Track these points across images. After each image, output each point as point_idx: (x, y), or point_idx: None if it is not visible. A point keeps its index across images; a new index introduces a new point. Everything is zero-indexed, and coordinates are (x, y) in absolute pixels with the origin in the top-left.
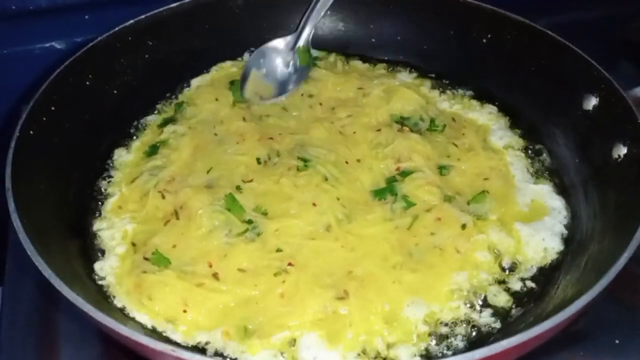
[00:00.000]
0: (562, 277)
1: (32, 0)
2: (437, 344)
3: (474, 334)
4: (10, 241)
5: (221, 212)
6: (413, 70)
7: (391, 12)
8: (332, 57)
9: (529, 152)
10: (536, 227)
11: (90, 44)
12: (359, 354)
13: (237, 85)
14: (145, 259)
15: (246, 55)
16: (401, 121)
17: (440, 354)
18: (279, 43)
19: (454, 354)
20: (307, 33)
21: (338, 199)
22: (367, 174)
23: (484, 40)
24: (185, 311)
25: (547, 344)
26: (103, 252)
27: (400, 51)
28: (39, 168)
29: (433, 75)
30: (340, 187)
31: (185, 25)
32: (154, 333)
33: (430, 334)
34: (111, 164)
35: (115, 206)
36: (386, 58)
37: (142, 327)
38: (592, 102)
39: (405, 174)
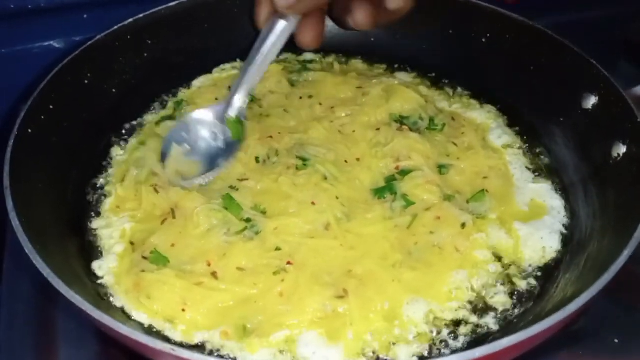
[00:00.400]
0: (561, 276)
1: None
2: (436, 343)
3: (473, 332)
4: (8, 240)
5: (219, 211)
6: (412, 69)
7: None
8: (331, 58)
9: (528, 151)
10: (535, 226)
11: (89, 43)
12: (358, 353)
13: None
14: (144, 258)
15: (237, 62)
16: (400, 120)
17: (440, 352)
18: (206, 114)
19: (454, 352)
20: (240, 101)
21: (337, 198)
22: (366, 173)
23: (483, 40)
24: (184, 310)
25: (547, 343)
26: (101, 251)
27: (399, 51)
28: (37, 167)
29: (433, 75)
30: (339, 186)
31: (184, 24)
32: (152, 332)
33: (429, 333)
34: (109, 163)
35: (114, 205)
36: (385, 58)
37: (141, 327)
38: (591, 101)
39: (404, 172)
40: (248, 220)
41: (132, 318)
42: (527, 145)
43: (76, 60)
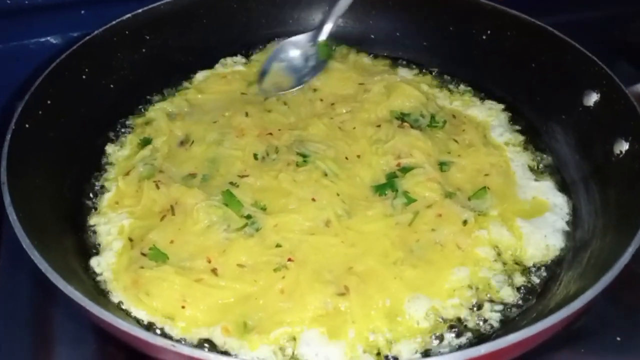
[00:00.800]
0: (564, 274)
1: None
2: (438, 340)
3: (475, 330)
4: (4, 236)
5: (218, 207)
6: (414, 66)
7: (390, 9)
8: (344, 49)
9: (530, 148)
10: (537, 223)
11: (87, 38)
12: (359, 350)
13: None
14: (143, 254)
15: (238, 57)
16: (401, 117)
17: (442, 350)
18: (301, 38)
19: (456, 350)
20: (328, 27)
21: (338, 195)
22: (367, 170)
23: (484, 37)
24: (183, 307)
25: (549, 341)
26: (100, 248)
27: (400, 47)
28: (35, 162)
29: (435, 71)
30: (339, 183)
31: (183, 19)
32: (152, 329)
33: (431, 330)
34: (107, 159)
35: (112, 201)
36: (385, 54)
37: (140, 324)
38: (593, 98)
39: (405, 170)
40: (248, 217)
41: (131, 315)
42: (529, 142)
43: (74, 55)
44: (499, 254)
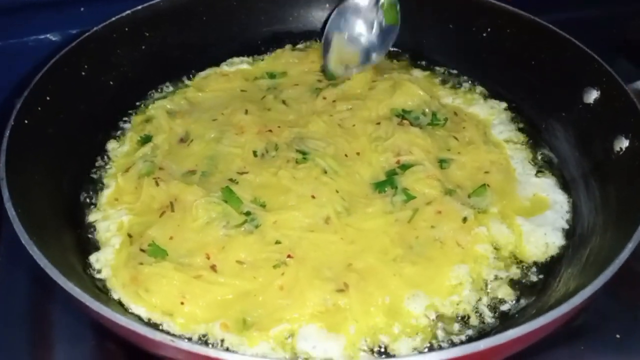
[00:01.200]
0: (563, 271)
1: None
2: (438, 337)
3: (475, 326)
4: (3, 232)
5: (218, 204)
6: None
7: None
8: None
9: (530, 146)
10: (537, 221)
11: (87, 34)
12: (359, 347)
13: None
14: (142, 250)
15: (237, 59)
16: (402, 115)
17: (441, 346)
18: (358, 2)
19: (455, 346)
20: None
21: (337, 192)
22: (366, 167)
23: (484, 35)
24: (182, 303)
25: (548, 338)
26: (99, 244)
27: (399, 45)
28: (34, 158)
29: (441, 70)
30: (339, 180)
31: (182, 17)
32: (151, 325)
33: (431, 327)
34: (107, 155)
35: (112, 198)
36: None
37: (140, 320)
38: (593, 96)
39: (405, 167)
40: (247, 214)
41: (130, 311)
42: (529, 140)
43: (73, 52)
44: (498, 251)
